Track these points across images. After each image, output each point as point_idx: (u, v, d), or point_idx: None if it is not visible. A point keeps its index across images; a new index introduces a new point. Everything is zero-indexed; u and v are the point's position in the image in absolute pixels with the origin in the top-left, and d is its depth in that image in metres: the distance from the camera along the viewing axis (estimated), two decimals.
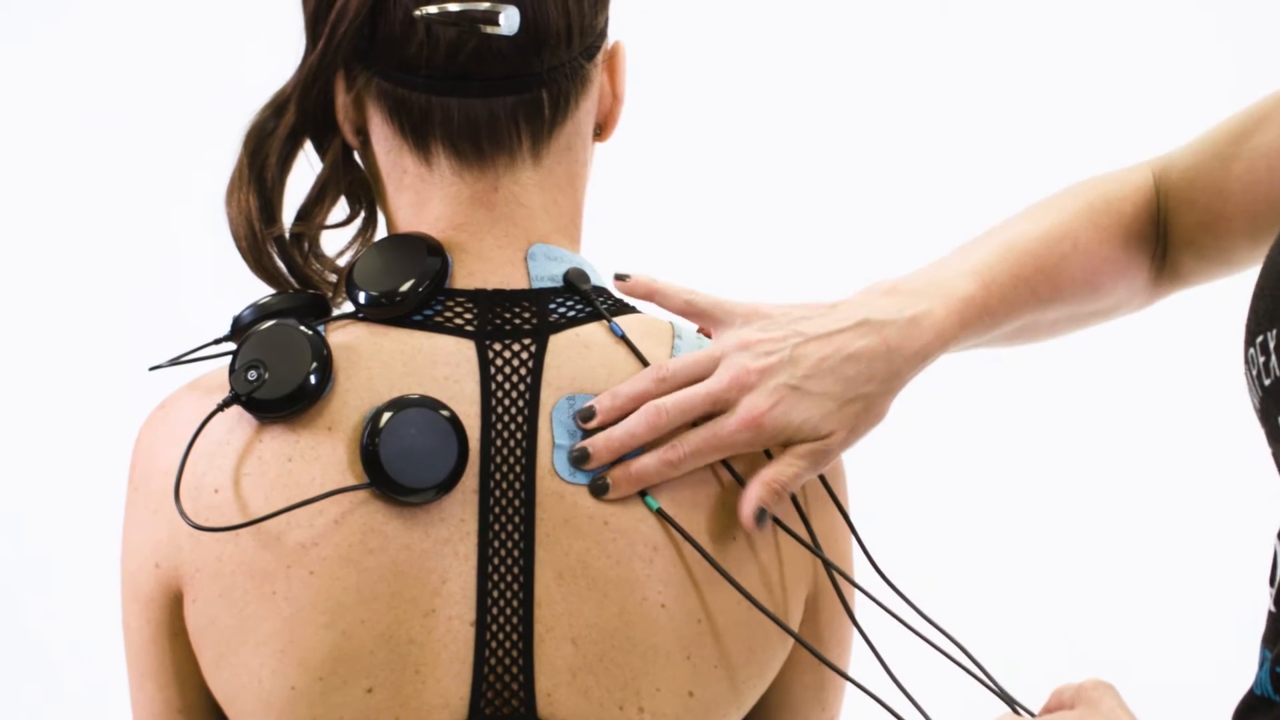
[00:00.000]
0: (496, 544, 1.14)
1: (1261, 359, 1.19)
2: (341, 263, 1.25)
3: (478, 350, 1.16)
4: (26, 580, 2.84)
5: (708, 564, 1.15)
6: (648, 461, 1.15)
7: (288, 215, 1.24)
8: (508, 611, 1.13)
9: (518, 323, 1.17)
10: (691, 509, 1.16)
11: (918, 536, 2.74)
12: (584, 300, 1.20)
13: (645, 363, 1.18)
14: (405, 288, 1.17)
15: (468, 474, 1.14)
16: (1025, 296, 1.27)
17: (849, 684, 1.25)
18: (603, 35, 1.22)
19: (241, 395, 1.14)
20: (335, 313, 1.22)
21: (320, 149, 1.24)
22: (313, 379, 1.13)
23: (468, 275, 1.19)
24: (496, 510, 1.14)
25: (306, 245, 1.24)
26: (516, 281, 1.19)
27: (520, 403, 1.15)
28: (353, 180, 1.25)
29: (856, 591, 1.23)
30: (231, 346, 1.19)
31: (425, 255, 1.18)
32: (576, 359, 1.17)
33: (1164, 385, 2.90)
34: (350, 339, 1.17)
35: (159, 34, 2.88)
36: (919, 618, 1.21)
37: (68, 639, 2.80)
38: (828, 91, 2.97)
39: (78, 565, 2.74)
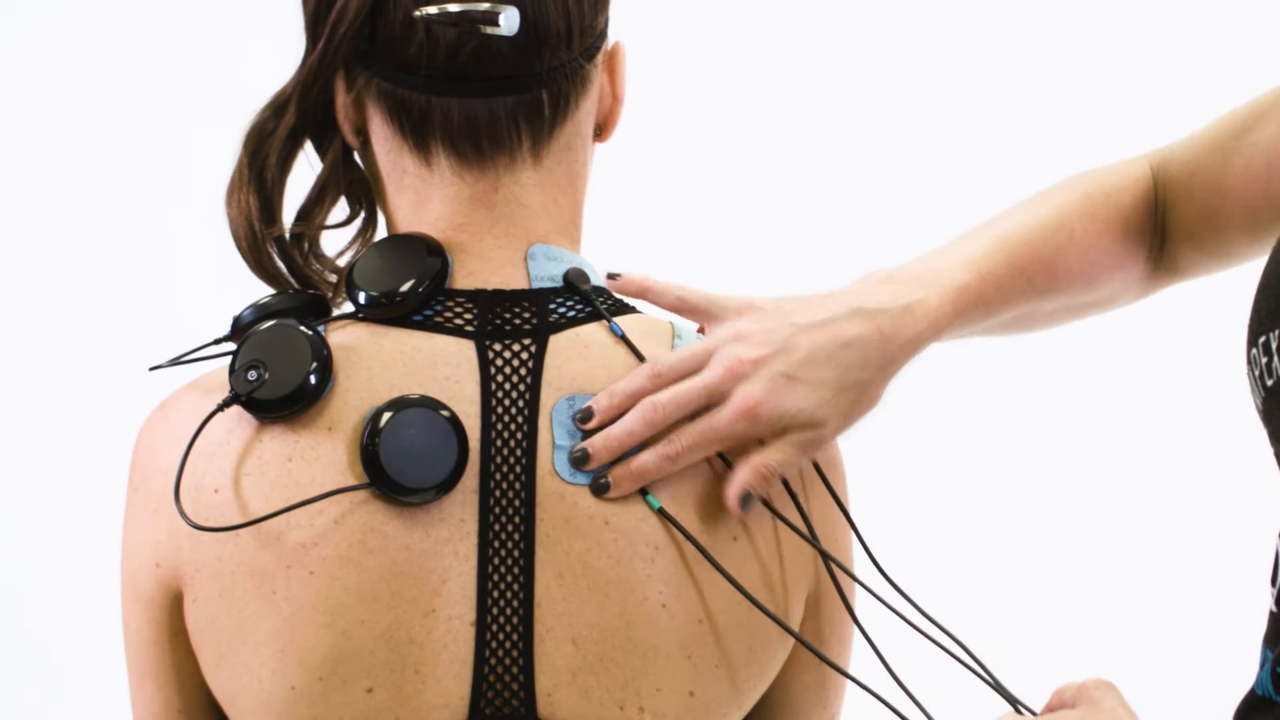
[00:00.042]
0: (496, 544, 1.13)
1: (1264, 359, 1.19)
2: (341, 263, 1.25)
3: (478, 350, 1.16)
4: (26, 580, 2.84)
5: (708, 564, 1.15)
6: (646, 458, 1.14)
7: (288, 215, 1.24)
8: (508, 612, 1.13)
9: (518, 323, 1.17)
10: (693, 509, 1.16)
11: (919, 535, 2.74)
12: (584, 300, 1.20)
13: (645, 362, 1.18)
14: (405, 288, 1.17)
15: (468, 474, 1.14)
16: (1021, 286, 1.27)
17: (850, 683, 1.25)
18: (603, 36, 1.22)
19: (241, 395, 1.14)
20: (335, 313, 1.22)
21: (320, 149, 1.24)
22: (313, 379, 1.13)
23: (468, 275, 1.19)
24: (496, 510, 1.14)
25: (306, 245, 1.24)
26: (516, 282, 1.19)
27: (520, 403, 1.15)
28: (353, 180, 1.25)
29: (857, 592, 1.23)
30: (231, 346, 1.19)
31: (425, 255, 1.18)
32: (576, 359, 1.17)
33: (1166, 386, 2.90)
34: (350, 339, 1.17)
35: (159, 34, 2.87)
36: (920, 616, 1.21)
37: (68, 639, 2.80)
38: (828, 91, 2.97)
39: (78, 565, 2.74)
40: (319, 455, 1.13)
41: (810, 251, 2.87)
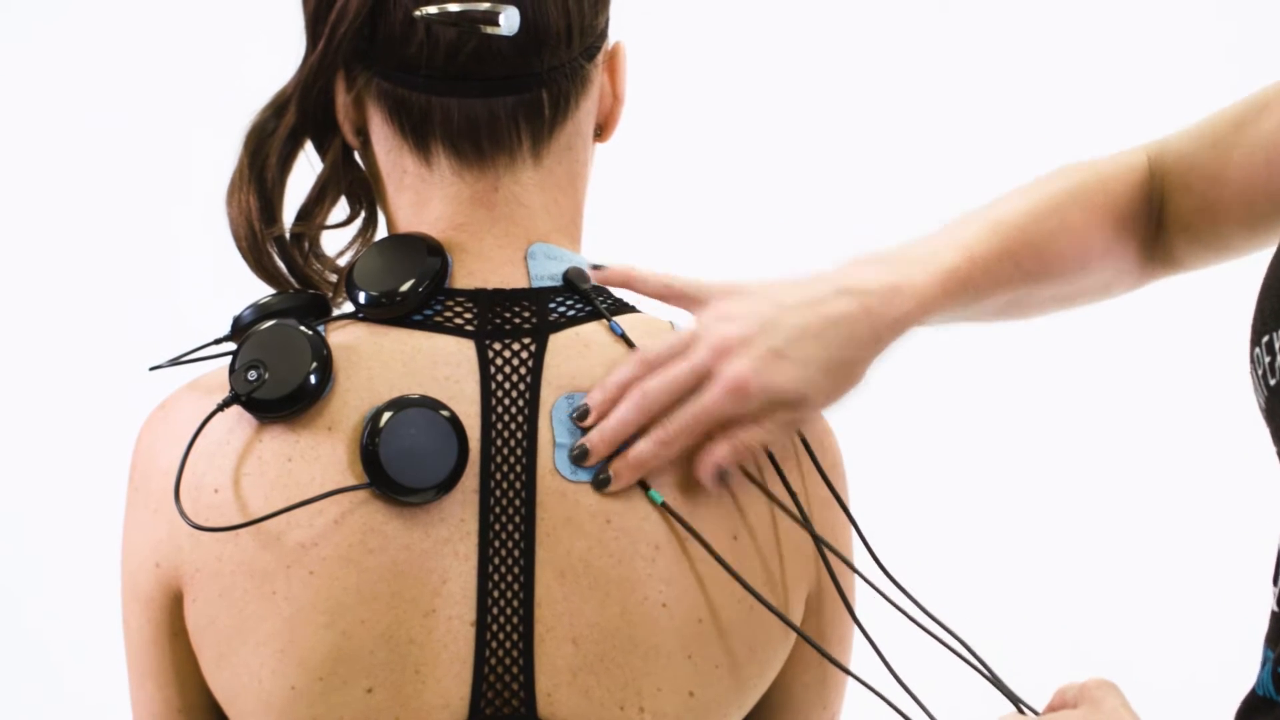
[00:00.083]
0: (497, 544, 1.13)
1: (1267, 359, 1.18)
2: (342, 263, 1.25)
3: (478, 350, 1.16)
4: (26, 580, 2.84)
5: (709, 563, 1.15)
6: (642, 446, 1.14)
7: (288, 215, 1.24)
8: (508, 611, 1.13)
9: (518, 322, 1.17)
10: (694, 508, 1.16)
11: (920, 534, 2.74)
12: (584, 299, 1.20)
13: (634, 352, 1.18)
14: (405, 288, 1.17)
15: (468, 474, 1.14)
16: (1010, 271, 1.26)
17: (850, 683, 1.25)
18: (603, 36, 1.22)
19: (241, 395, 1.14)
20: (335, 313, 1.22)
21: (320, 149, 1.24)
22: (313, 379, 1.13)
23: (468, 275, 1.19)
24: (497, 510, 1.14)
25: (307, 245, 1.24)
26: (516, 281, 1.19)
27: (520, 402, 1.15)
28: (353, 180, 1.25)
29: (859, 592, 1.23)
30: (231, 346, 1.19)
31: (425, 255, 1.18)
32: (576, 358, 1.17)
33: (1168, 386, 2.90)
34: (350, 339, 1.17)
35: (159, 34, 2.87)
36: (923, 614, 1.21)
37: (68, 639, 2.80)
38: (828, 91, 2.97)
39: (78, 565, 2.74)
40: (319, 455, 1.13)
41: (810, 251, 2.86)
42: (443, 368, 1.16)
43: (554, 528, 1.14)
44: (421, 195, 1.21)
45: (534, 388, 1.16)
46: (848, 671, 1.22)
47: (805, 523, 1.19)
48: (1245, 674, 1.24)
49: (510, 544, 1.13)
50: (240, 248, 1.23)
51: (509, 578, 1.13)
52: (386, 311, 1.17)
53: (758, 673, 1.19)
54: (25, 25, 2.88)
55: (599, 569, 1.14)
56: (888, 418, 2.85)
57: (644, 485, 1.15)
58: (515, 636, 1.13)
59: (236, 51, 2.74)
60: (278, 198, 1.23)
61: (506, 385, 1.15)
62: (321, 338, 1.15)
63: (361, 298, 1.18)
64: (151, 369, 1.27)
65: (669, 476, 1.16)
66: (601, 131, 1.25)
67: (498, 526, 1.14)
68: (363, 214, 1.25)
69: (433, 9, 1.15)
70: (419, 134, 1.19)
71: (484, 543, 1.13)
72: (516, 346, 1.17)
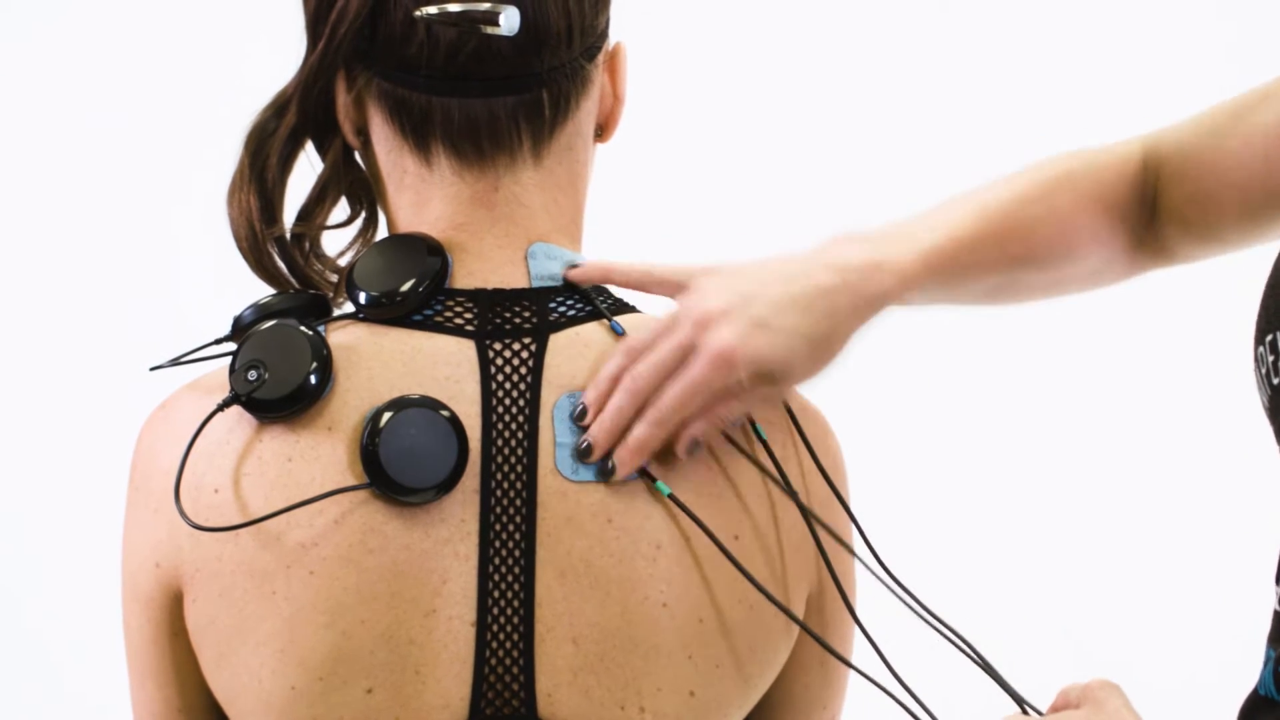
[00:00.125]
0: (497, 544, 1.13)
1: (1271, 357, 1.18)
2: (342, 263, 1.25)
3: (478, 350, 1.16)
4: (26, 580, 2.84)
5: (710, 563, 1.15)
6: (638, 429, 1.14)
7: (289, 215, 1.23)
8: (508, 611, 1.13)
9: (518, 322, 1.17)
10: (694, 508, 1.15)
11: (922, 535, 2.74)
12: (584, 299, 1.20)
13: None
14: (405, 288, 1.17)
15: (468, 474, 1.14)
16: (995, 254, 1.26)
17: (850, 683, 1.25)
18: (604, 36, 1.22)
19: (241, 395, 1.14)
20: (336, 313, 1.22)
21: (321, 149, 1.24)
22: (313, 379, 1.13)
23: (468, 275, 1.19)
24: (497, 510, 1.14)
25: (307, 245, 1.24)
26: (516, 281, 1.19)
27: (521, 402, 1.15)
28: (353, 180, 1.25)
29: (860, 592, 1.23)
30: (232, 346, 1.19)
31: (425, 255, 1.17)
32: (577, 358, 1.17)
33: (1171, 384, 2.90)
34: (350, 339, 1.17)
35: (159, 34, 2.87)
36: (926, 614, 1.21)
37: (68, 639, 2.80)
38: (828, 91, 2.97)
39: (78, 565, 2.74)
40: (319, 455, 1.13)
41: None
42: (443, 368, 1.16)
43: (555, 527, 1.14)
44: (422, 195, 1.20)
45: (534, 387, 1.15)
46: (853, 667, 1.22)
47: (796, 499, 1.19)
48: (1247, 674, 1.24)
49: (511, 544, 1.13)
50: (241, 248, 1.22)
51: (509, 578, 1.13)
52: (387, 311, 1.17)
53: (759, 673, 1.19)
54: (25, 25, 2.88)
55: (600, 568, 1.13)
56: (889, 418, 2.86)
57: (650, 478, 1.15)
58: (515, 636, 1.13)
59: (236, 51, 2.74)
60: (278, 198, 1.23)
61: (507, 385, 1.15)
62: (321, 338, 1.15)
63: (362, 298, 1.18)
64: (151, 369, 1.27)
65: (672, 476, 1.16)
66: (602, 132, 1.25)
67: (498, 526, 1.14)
68: (363, 214, 1.25)
69: (433, 9, 1.15)
70: (419, 134, 1.19)
71: (484, 543, 1.13)
72: (517, 346, 1.16)
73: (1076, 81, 2.94)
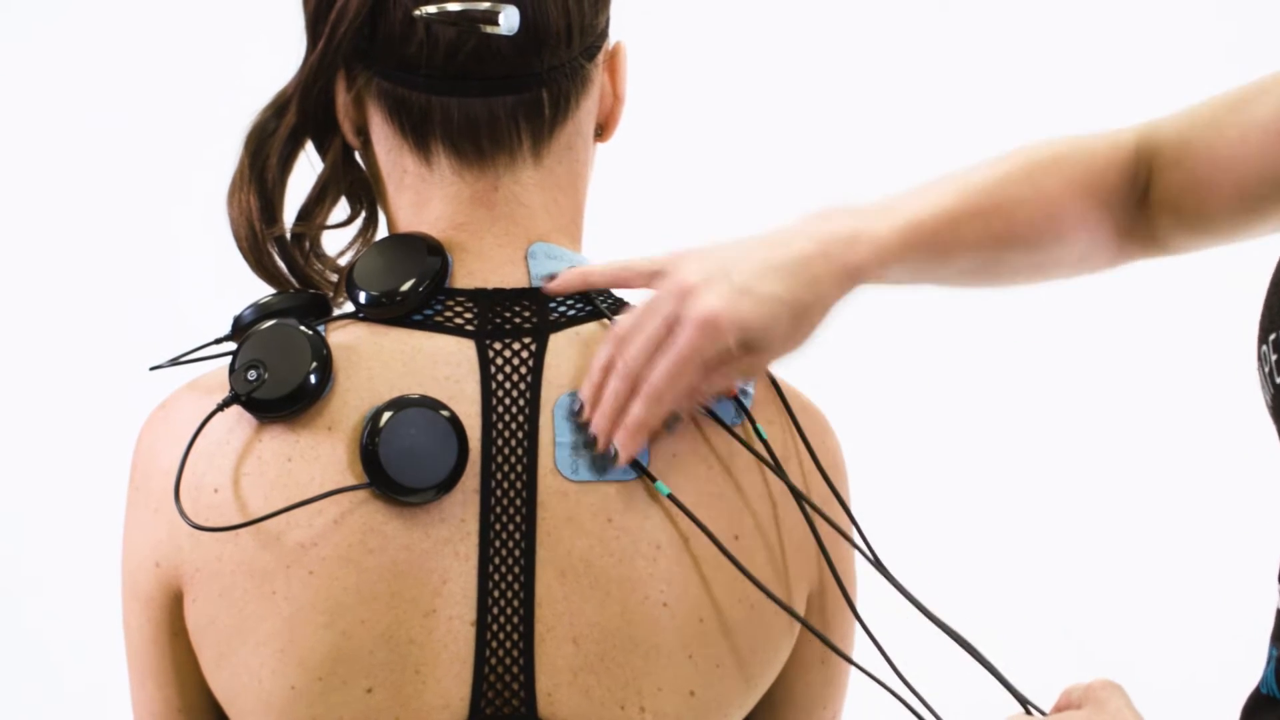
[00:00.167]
0: (497, 544, 1.13)
1: (1274, 356, 1.18)
2: (342, 262, 1.25)
3: (478, 350, 1.16)
4: (26, 580, 2.84)
5: (711, 563, 1.15)
6: (633, 409, 1.13)
7: (289, 215, 1.23)
8: (508, 611, 1.13)
9: (518, 322, 1.17)
10: (694, 508, 1.15)
11: (923, 535, 2.74)
12: (584, 299, 1.20)
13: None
14: (405, 287, 1.17)
15: (468, 474, 1.13)
16: (977, 232, 1.25)
17: (851, 682, 1.25)
18: (603, 35, 1.22)
19: (241, 395, 1.14)
20: (336, 312, 1.22)
21: (321, 149, 1.24)
22: (312, 379, 1.13)
23: (468, 275, 1.19)
24: (498, 510, 1.14)
25: (307, 245, 1.24)
26: (516, 280, 1.19)
27: (521, 402, 1.15)
28: (354, 180, 1.25)
29: (861, 592, 1.23)
30: (232, 346, 1.18)
31: (425, 255, 1.17)
32: (577, 357, 1.17)
33: (1173, 383, 2.90)
34: (350, 339, 1.17)
35: (159, 34, 2.87)
36: (926, 615, 1.21)
37: (68, 639, 2.80)
38: (828, 91, 2.97)
39: (78, 565, 2.74)
40: (319, 455, 1.13)
41: None
42: (443, 367, 1.16)
43: (555, 527, 1.14)
44: (422, 195, 1.20)
45: (534, 387, 1.15)
46: (856, 665, 1.21)
47: (796, 492, 1.18)
48: (1249, 673, 1.24)
49: (511, 544, 1.13)
50: (241, 248, 1.22)
51: (509, 577, 1.13)
52: (387, 311, 1.17)
53: (759, 672, 1.19)
54: (25, 25, 2.88)
55: (600, 568, 1.13)
56: (891, 417, 2.86)
57: (650, 478, 1.15)
58: (515, 636, 1.13)
59: (236, 51, 2.74)
60: (278, 198, 1.23)
61: (507, 385, 1.15)
62: (321, 337, 1.15)
63: (362, 297, 1.18)
64: (151, 369, 1.27)
65: (672, 476, 1.15)
66: (602, 131, 1.25)
67: (498, 526, 1.13)
68: (363, 214, 1.25)
69: (432, 8, 1.15)
70: (419, 133, 1.19)
71: (484, 542, 1.13)
72: (517, 346, 1.16)
73: (1077, 81, 2.94)
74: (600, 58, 1.22)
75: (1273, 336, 1.18)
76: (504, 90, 1.17)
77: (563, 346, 1.17)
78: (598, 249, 1.25)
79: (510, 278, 1.19)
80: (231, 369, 1.15)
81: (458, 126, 1.18)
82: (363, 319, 1.18)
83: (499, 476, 1.14)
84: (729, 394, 1.18)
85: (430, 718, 1.13)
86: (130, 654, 1.22)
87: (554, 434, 1.15)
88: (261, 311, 1.20)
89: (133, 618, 1.20)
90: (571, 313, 1.19)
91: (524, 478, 1.14)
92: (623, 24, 1.25)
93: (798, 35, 2.99)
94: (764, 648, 1.18)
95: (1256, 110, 1.26)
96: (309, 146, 1.24)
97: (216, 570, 1.14)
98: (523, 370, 1.16)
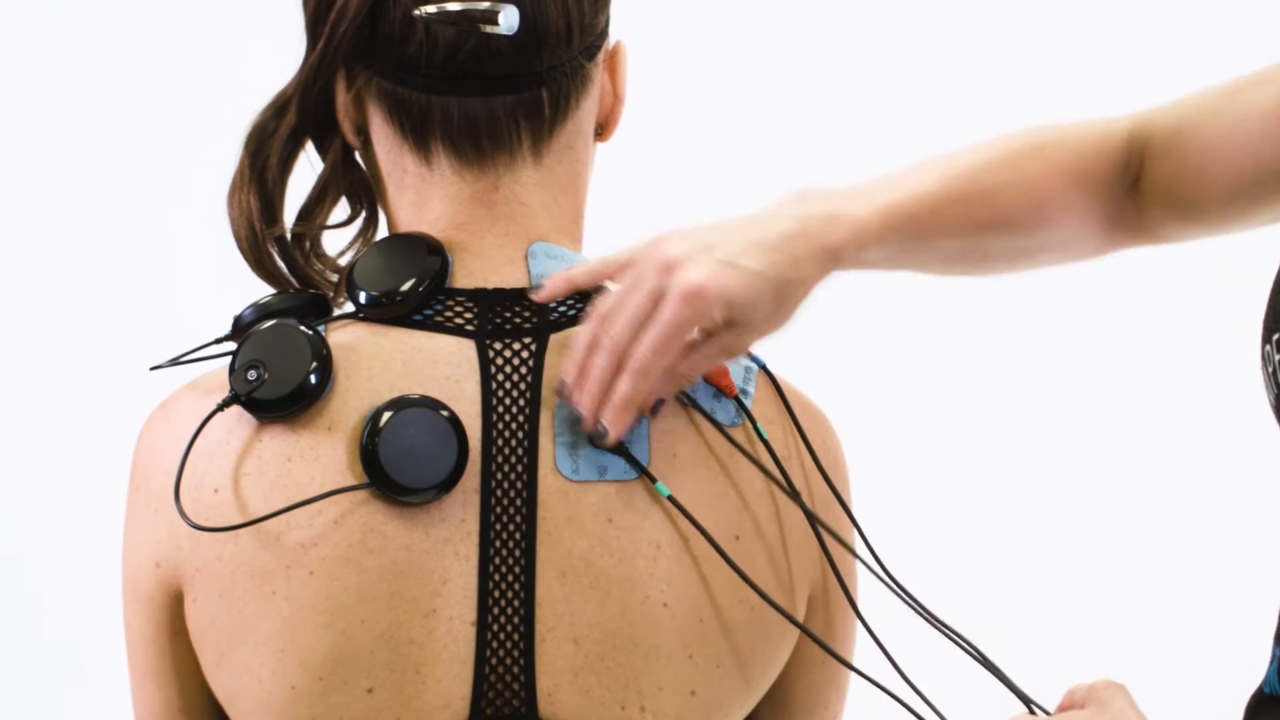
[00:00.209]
0: (498, 544, 1.13)
1: (1278, 356, 1.18)
2: (342, 262, 1.25)
3: (478, 350, 1.16)
4: (26, 580, 2.84)
5: (711, 563, 1.15)
6: (621, 384, 1.12)
7: (289, 215, 1.23)
8: (509, 611, 1.13)
9: (518, 322, 1.17)
10: (695, 508, 1.15)
11: (925, 536, 2.74)
12: (583, 298, 1.19)
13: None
14: (405, 287, 1.17)
15: (469, 474, 1.13)
16: (960, 216, 1.24)
17: (852, 682, 1.25)
18: (603, 35, 1.22)
19: (241, 395, 1.14)
20: (336, 312, 1.22)
21: (321, 149, 1.24)
22: (312, 379, 1.13)
23: (468, 275, 1.19)
24: (498, 510, 1.13)
25: (308, 245, 1.24)
26: (517, 280, 1.19)
27: (521, 402, 1.15)
28: (354, 180, 1.25)
29: (862, 592, 1.23)
30: (232, 346, 1.18)
31: (425, 255, 1.17)
32: None
33: (1176, 383, 2.90)
34: (350, 339, 1.16)
35: (159, 34, 2.87)
36: (927, 616, 1.21)
37: (68, 639, 2.80)
38: (828, 91, 2.97)
39: (78, 565, 2.74)
40: (319, 455, 1.13)
41: None
42: (443, 367, 1.15)
43: (555, 527, 1.13)
44: (422, 195, 1.20)
45: (534, 387, 1.15)
46: (856, 670, 1.21)
47: (798, 499, 1.19)
48: (1252, 672, 1.23)
49: (511, 544, 1.13)
50: (241, 248, 1.22)
51: (509, 577, 1.13)
52: (387, 311, 1.17)
53: (760, 672, 1.19)
54: (25, 25, 2.88)
55: (600, 568, 1.13)
56: (892, 417, 2.85)
57: (651, 478, 1.14)
58: (516, 636, 1.13)
59: (236, 51, 2.74)
60: (278, 198, 1.23)
61: (507, 385, 1.15)
62: (321, 337, 1.15)
63: (362, 297, 1.18)
64: (151, 369, 1.27)
65: (672, 476, 1.15)
66: (602, 131, 1.25)
67: (498, 526, 1.13)
68: (363, 214, 1.25)
69: (432, 8, 1.15)
70: (419, 133, 1.19)
71: (484, 542, 1.13)
72: (517, 346, 1.16)
73: (1077, 81, 2.94)
74: (600, 57, 1.22)
75: (1276, 336, 1.18)
76: (504, 90, 1.17)
77: (563, 347, 1.17)
78: (598, 249, 1.25)
79: (510, 278, 1.19)
80: (231, 369, 1.15)
81: (458, 126, 1.18)
82: (363, 319, 1.18)
83: (499, 476, 1.14)
84: (713, 378, 1.18)
85: (431, 718, 1.13)
86: (131, 654, 1.22)
87: (554, 434, 1.15)
88: (261, 311, 1.20)
89: (133, 618, 1.20)
90: (572, 313, 1.19)
91: (524, 477, 1.14)
92: (623, 24, 1.25)
93: (798, 35, 2.99)
94: (764, 648, 1.18)
95: (1255, 98, 1.25)
96: (309, 146, 1.24)
97: (216, 570, 1.14)
98: (523, 370, 1.16)
